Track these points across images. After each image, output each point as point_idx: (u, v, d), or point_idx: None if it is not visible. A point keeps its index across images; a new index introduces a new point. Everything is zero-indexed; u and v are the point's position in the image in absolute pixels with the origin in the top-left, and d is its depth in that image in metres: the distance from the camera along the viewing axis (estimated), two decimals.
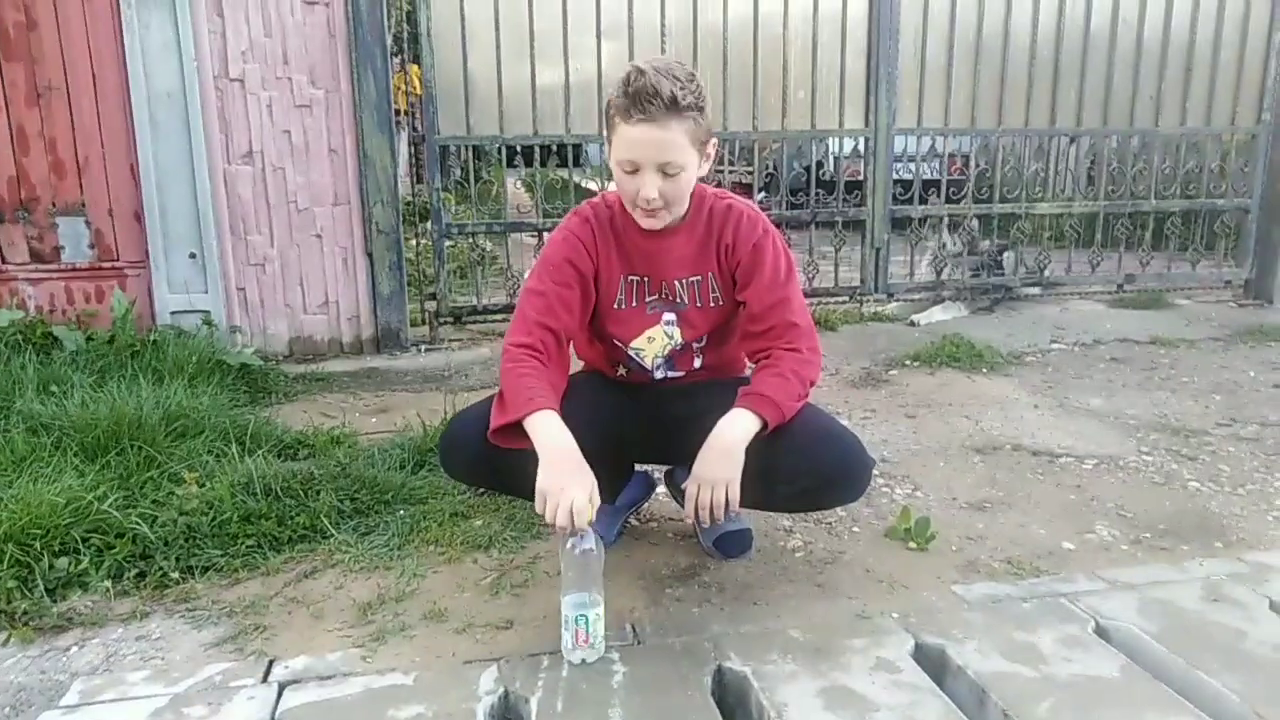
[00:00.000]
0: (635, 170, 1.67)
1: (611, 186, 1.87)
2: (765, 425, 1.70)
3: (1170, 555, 2.04)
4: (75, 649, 1.70)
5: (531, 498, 2.05)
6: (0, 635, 1.72)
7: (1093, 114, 4.71)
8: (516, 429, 1.65)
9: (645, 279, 1.86)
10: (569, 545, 1.53)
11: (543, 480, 1.56)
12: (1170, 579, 1.89)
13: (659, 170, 1.66)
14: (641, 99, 1.60)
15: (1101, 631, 1.68)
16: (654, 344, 1.90)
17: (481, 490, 2.29)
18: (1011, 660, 1.57)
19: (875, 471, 2.54)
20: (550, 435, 1.61)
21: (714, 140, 1.76)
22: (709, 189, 1.86)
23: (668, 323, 1.89)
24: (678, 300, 1.88)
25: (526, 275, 1.92)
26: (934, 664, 1.60)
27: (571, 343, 2.08)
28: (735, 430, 1.69)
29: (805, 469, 1.76)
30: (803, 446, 1.75)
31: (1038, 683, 1.50)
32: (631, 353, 1.91)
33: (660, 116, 1.61)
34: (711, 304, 1.89)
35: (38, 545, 1.91)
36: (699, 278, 1.87)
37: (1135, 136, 4.88)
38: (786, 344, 1.80)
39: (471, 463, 1.86)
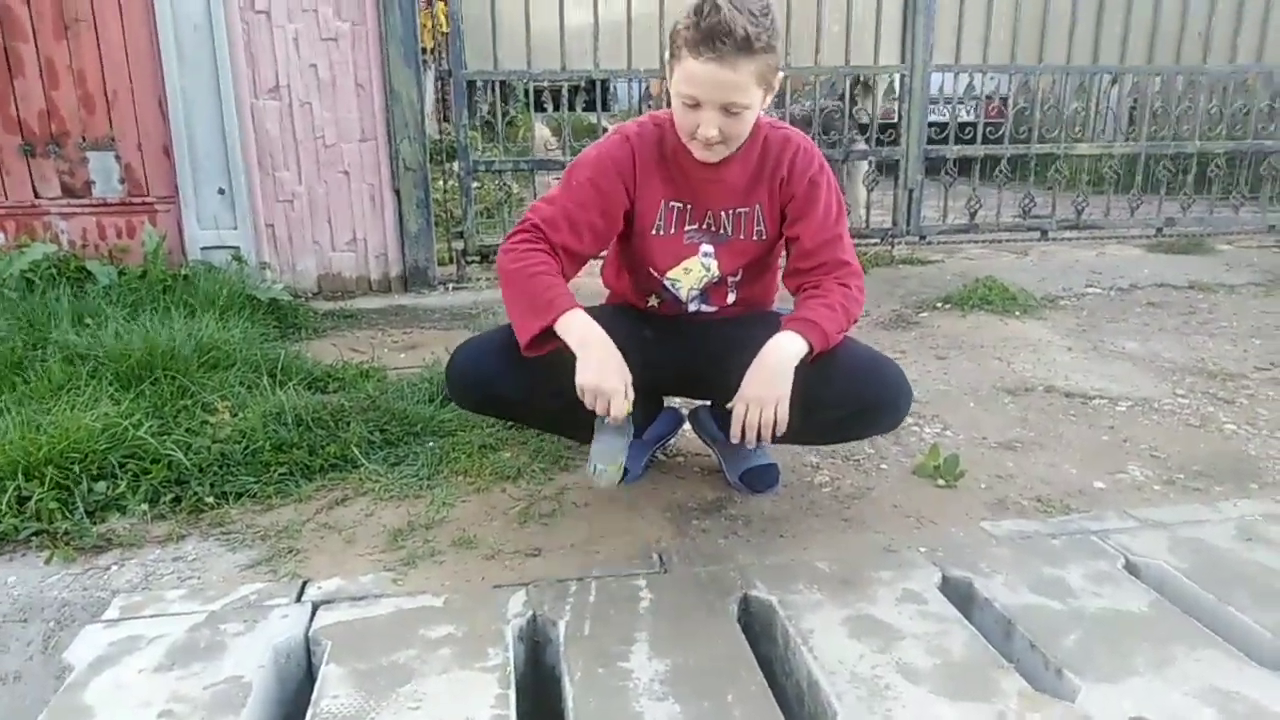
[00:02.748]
0: (696, 105, 1.60)
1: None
2: (810, 350, 1.66)
3: (1204, 496, 2.01)
4: (115, 568, 1.74)
5: (535, 426, 2.14)
6: (44, 554, 1.77)
7: (1138, 51, 4.56)
8: (546, 333, 1.64)
9: (688, 206, 1.81)
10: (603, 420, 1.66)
11: (582, 375, 1.60)
12: (1203, 518, 1.87)
13: (721, 109, 1.60)
14: (714, 36, 1.51)
15: (1131, 568, 1.67)
16: (690, 275, 1.87)
17: (495, 421, 2.30)
18: (1039, 594, 1.57)
19: None
20: (583, 331, 1.63)
21: (780, 74, 1.67)
22: (764, 117, 1.79)
23: (705, 254, 1.84)
24: (720, 231, 1.83)
25: None
26: (961, 596, 1.60)
27: (603, 270, 2.06)
28: (785, 350, 1.65)
29: (849, 394, 1.73)
30: (847, 372, 1.73)
31: (1065, 615, 1.50)
32: (667, 283, 1.88)
33: (730, 57, 1.53)
34: (754, 237, 1.84)
35: (76, 469, 1.95)
36: (746, 209, 1.81)
37: (1181, 75, 4.72)
38: (836, 279, 1.77)
39: (476, 393, 1.84)
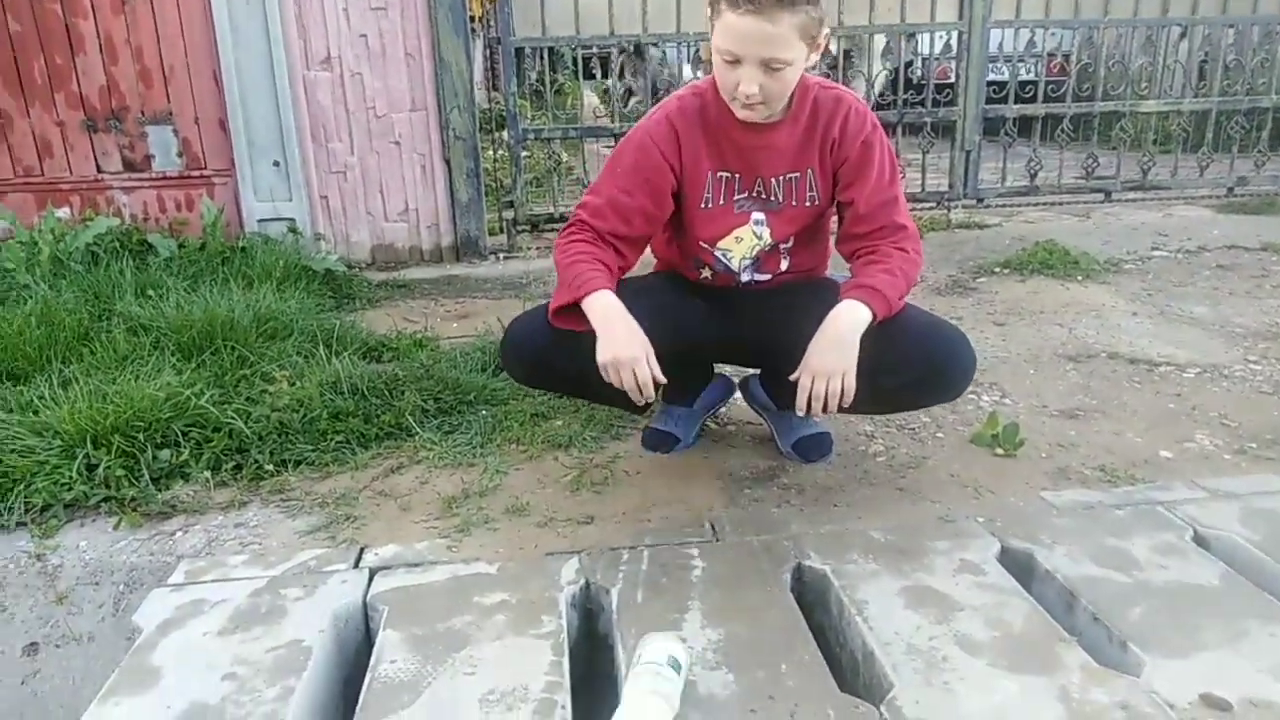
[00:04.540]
0: (736, 61, 1.55)
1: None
2: (874, 319, 1.62)
3: (1277, 465, 1.94)
4: (180, 534, 1.79)
5: (588, 399, 2.08)
6: (112, 520, 1.82)
7: (1211, 1, 4.35)
8: (576, 312, 1.63)
9: (737, 176, 1.76)
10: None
11: (602, 352, 1.58)
12: (1276, 489, 1.81)
13: (762, 65, 1.54)
14: None
15: (1200, 539, 1.62)
16: (742, 244, 1.82)
17: (545, 393, 2.31)
18: (1103, 566, 1.53)
19: None
20: (605, 309, 1.60)
21: (826, 31, 1.59)
22: (813, 78, 1.74)
23: (756, 222, 1.80)
24: (771, 199, 1.78)
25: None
26: (1020, 568, 1.57)
27: (649, 244, 2.04)
28: (849, 320, 1.61)
29: (912, 360, 1.67)
30: (911, 337, 1.67)
31: (1130, 588, 1.46)
32: (718, 254, 1.83)
33: (769, 9, 1.48)
34: (806, 203, 1.79)
35: (141, 438, 2.00)
36: (797, 174, 1.76)
37: (1258, 25, 4.50)
38: (893, 243, 1.72)
39: (530, 365, 1.82)
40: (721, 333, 1.92)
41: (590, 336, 1.60)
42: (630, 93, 4.27)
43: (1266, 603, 1.41)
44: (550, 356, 1.74)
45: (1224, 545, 1.60)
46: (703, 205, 1.78)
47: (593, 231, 1.71)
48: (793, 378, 1.64)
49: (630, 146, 1.76)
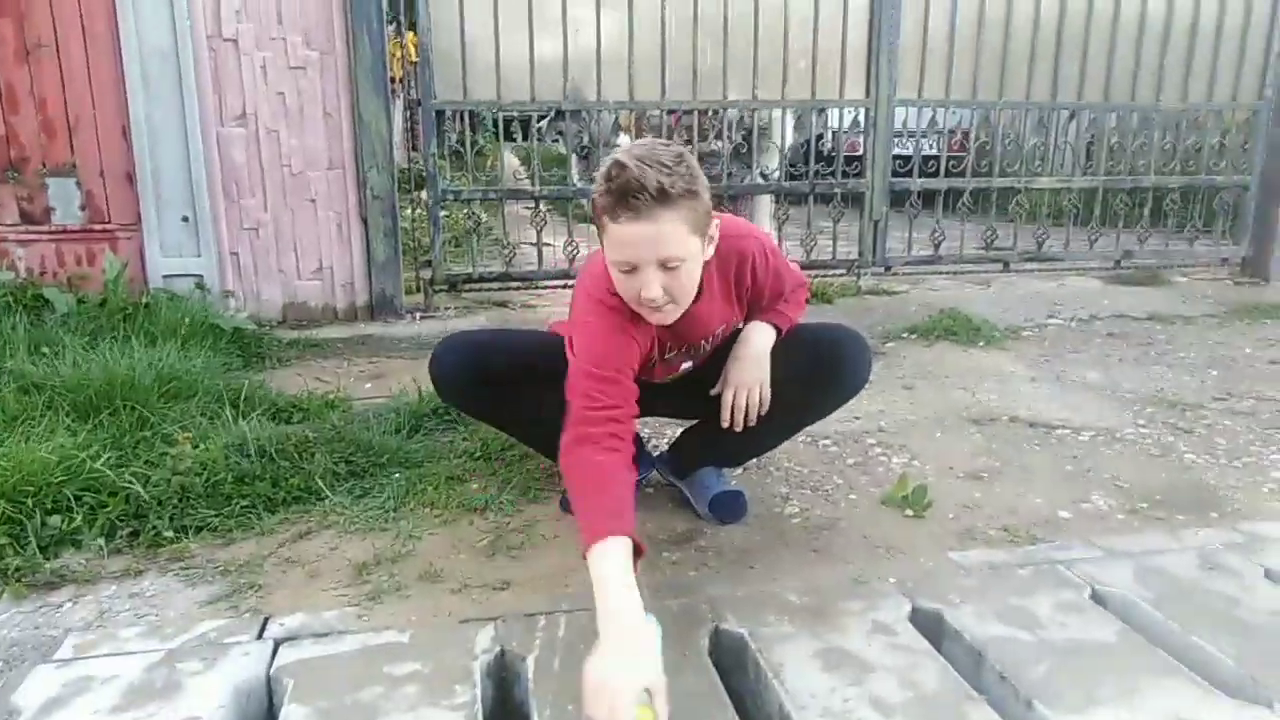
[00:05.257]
0: (633, 269, 1.54)
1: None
2: (779, 335, 1.89)
3: (1166, 525, 2.04)
4: (68, 605, 1.69)
5: (520, 418, 2.07)
6: None
7: (1094, 88, 4.67)
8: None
9: (672, 345, 1.83)
10: None
11: (592, 668, 1.28)
12: (1166, 548, 1.90)
13: (659, 266, 1.53)
14: (627, 195, 1.46)
15: (1098, 598, 1.68)
16: (669, 376, 1.95)
17: (462, 451, 2.37)
18: (1008, 624, 1.57)
19: (872, 440, 2.55)
20: (607, 592, 1.37)
21: (716, 221, 1.61)
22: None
23: (685, 367, 1.94)
24: (700, 351, 1.90)
25: (573, 351, 1.69)
26: (930, 628, 1.60)
27: None
28: (760, 337, 1.88)
29: (812, 356, 1.87)
30: (809, 337, 1.92)
31: (1034, 646, 1.50)
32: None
33: (650, 211, 1.46)
34: (728, 336, 1.91)
35: (29, 503, 1.89)
36: (723, 326, 1.87)
37: (1136, 112, 4.85)
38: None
39: (465, 371, 1.94)
40: (660, 405, 2.04)
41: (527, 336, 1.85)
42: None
43: (1158, 658, 1.47)
44: (488, 357, 1.90)
45: (1119, 603, 1.67)
46: (649, 374, 1.86)
47: (619, 425, 1.60)
48: (714, 393, 1.89)
49: (606, 332, 1.67)
